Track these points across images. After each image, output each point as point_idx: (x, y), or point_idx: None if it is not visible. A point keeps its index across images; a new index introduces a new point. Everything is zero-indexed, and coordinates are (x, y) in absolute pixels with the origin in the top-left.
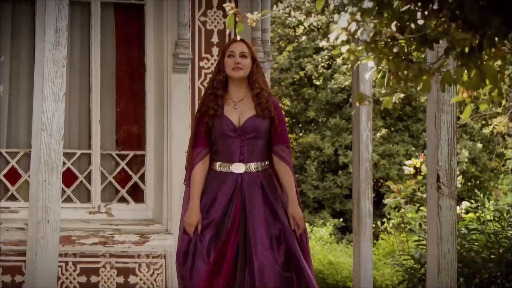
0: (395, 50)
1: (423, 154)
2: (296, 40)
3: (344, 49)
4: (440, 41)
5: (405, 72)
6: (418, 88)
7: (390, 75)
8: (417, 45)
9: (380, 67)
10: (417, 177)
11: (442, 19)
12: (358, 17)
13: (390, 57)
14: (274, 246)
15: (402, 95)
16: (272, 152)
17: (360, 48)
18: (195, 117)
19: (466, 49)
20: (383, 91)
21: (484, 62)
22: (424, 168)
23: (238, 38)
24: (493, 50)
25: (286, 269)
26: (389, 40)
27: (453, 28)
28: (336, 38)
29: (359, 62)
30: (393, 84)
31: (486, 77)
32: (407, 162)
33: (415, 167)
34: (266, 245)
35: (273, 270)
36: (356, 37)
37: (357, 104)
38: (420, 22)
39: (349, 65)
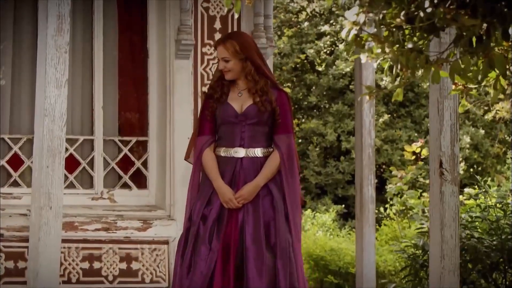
0: (400, 39)
1: (421, 139)
2: (298, 26)
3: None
4: (445, 30)
5: (413, 62)
6: (428, 80)
7: (397, 65)
8: (422, 33)
9: (386, 57)
10: (417, 162)
11: (451, 6)
12: (366, 7)
13: (396, 47)
14: (264, 240)
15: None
16: (273, 141)
17: (371, 43)
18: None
19: (473, 38)
20: (385, 78)
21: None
22: (424, 153)
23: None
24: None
25: (273, 257)
26: (395, 29)
27: (461, 15)
28: (348, 33)
29: (367, 57)
30: (403, 75)
31: (495, 64)
32: (407, 148)
33: (414, 153)
34: (258, 247)
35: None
36: (364, 28)
37: (368, 98)
38: (429, 10)
39: (352, 52)
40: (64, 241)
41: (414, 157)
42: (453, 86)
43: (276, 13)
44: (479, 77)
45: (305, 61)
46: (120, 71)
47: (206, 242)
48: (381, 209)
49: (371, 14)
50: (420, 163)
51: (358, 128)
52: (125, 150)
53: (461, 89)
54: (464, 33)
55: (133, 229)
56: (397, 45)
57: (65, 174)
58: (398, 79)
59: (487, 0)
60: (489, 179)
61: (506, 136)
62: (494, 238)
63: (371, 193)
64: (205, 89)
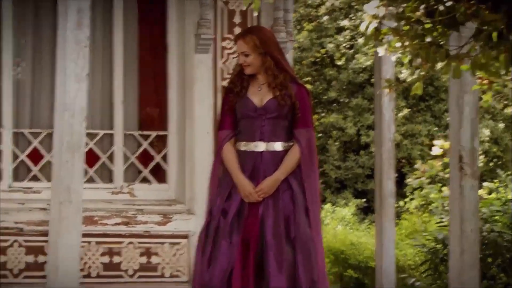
0: (420, 33)
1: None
2: (317, 20)
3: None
4: (465, 24)
5: (432, 56)
6: (448, 74)
7: (417, 59)
8: (442, 28)
9: (406, 51)
10: (443, 158)
11: (471, 2)
12: (386, 1)
13: (415, 41)
14: (284, 234)
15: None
16: (292, 135)
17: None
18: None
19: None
20: (405, 71)
21: None
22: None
23: (254, 24)
24: None
25: (293, 251)
26: (414, 23)
27: (482, 10)
28: (367, 27)
29: (385, 50)
30: (423, 69)
31: None
32: (436, 142)
33: (442, 148)
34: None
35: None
36: (384, 22)
37: (388, 91)
38: (449, 4)
39: (372, 46)
40: (84, 235)
41: (442, 152)
42: (478, 81)
43: (295, 7)
44: (502, 71)
45: (325, 55)
46: (140, 66)
47: (226, 236)
48: (401, 203)
49: (391, 8)
50: (446, 159)
51: (377, 122)
52: (145, 144)
53: (486, 84)
54: (484, 28)
55: (153, 223)
56: (417, 39)
57: (85, 169)
58: (417, 71)
59: None
60: (509, 172)
61: None
62: None
63: (391, 187)
64: (224, 83)
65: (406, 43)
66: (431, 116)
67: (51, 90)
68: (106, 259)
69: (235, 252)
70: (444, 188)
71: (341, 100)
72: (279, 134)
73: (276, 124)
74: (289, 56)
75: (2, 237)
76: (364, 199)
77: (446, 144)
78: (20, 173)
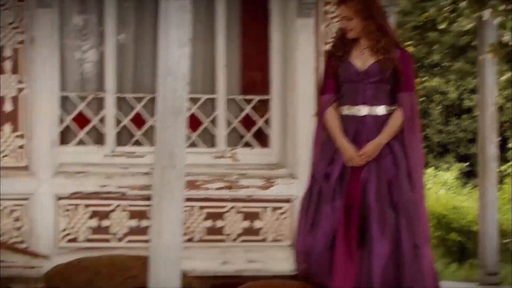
0: None
1: None
2: None
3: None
4: None
5: None
6: None
7: None
8: None
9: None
10: None
11: None
12: None
13: None
14: (386, 198)
15: None
16: (395, 99)
17: None
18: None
19: None
20: (507, 34)
21: None
22: None
23: None
24: None
25: (396, 215)
26: None
27: None
28: None
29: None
30: None
31: None
32: None
33: None
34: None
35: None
36: None
37: (492, 56)
38: None
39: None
40: (187, 200)
41: None
42: None
43: None
44: None
45: (427, 19)
46: (242, 30)
47: (329, 201)
48: (503, 167)
49: None
50: None
51: (480, 86)
52: (248, 109)
53: None
54: None
55: (255, 187)
56: None
57: (187, 133)
58: None
59: None
60: None
61: None
62: None
63: (494, 151)
64: (327, 47)
65: (510, 7)
66: None
67: (153, 55)
68: (209, 223)
69: (338, 216)
70: None
71: (443, 64)
72: (381, 98)
73: (378, 88)
74: (392, 21)
75: (106, 202)
76: (467, 163)
77: None
78: (123, 138)
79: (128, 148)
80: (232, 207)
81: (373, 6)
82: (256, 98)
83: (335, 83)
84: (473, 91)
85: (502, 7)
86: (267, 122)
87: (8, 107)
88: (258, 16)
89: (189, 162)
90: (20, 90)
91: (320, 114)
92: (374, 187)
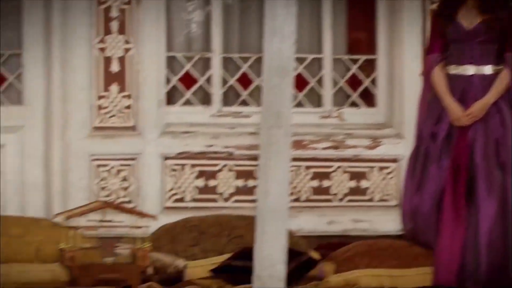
0: None
1: None
2: None
3: None
4: None
5: None
6: None
7: None
8: None
9: None
10: None
11: None
12: None
13: None
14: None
15: None
16: (503, 59)
17: None
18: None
19: None
20: None
21: None
22: None
23: None
24: None
25: (503, 174)
26: None
27: None
28: None
29: None
30: None
31: None
32: None
33: None
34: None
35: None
36: None
37: None
38: None
39: None
40: (293, 159)
41: None
42: None
43: None
44: None
45: None
46: None
47: (436, 160)
48: None
49: None
50: None
51: None
52: (354, 68)
53: None
54: None
55: (362, 147)
56: None
57: (294, 93)
58: None
59: None
60: None
61: None
62: None
63: None
64: (434, 6)
65: None
66: None
67: (259, 15)
68: (315, 183)
69: (444, 176)
70: None
71: None
72: (488, 58)
73: (485, 47)
74: None
75: (212, 162)
76: None
77: None
78: (229, 98)
79: (235, 108)
80: (339, 167)
81: None
82: (363, 57)
83: (442, 43)
84: None
85: None
86: (373, 81)
87: (115, 67)
88: None
89: (296, 122)
90: (127, 50)
91: (426, 73)
92: (481, 147)
